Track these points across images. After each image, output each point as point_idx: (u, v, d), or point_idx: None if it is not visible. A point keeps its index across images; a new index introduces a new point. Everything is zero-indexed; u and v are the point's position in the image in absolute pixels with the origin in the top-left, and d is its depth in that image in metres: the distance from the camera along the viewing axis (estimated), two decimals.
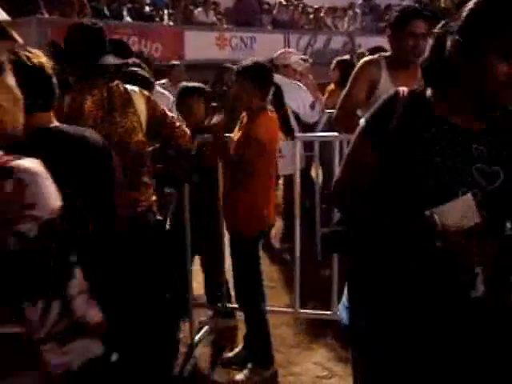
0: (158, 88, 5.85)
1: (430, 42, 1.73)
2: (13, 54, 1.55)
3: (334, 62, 6.20)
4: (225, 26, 13.53)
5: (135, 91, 2.96)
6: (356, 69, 3.61)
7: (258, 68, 3.38)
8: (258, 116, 3.32)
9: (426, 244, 1.59)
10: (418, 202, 1.60)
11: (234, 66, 3.81)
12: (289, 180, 5.10)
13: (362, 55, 6.57)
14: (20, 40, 2.86)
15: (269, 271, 4.70)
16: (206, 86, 4.31)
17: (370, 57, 3.68)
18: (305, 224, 4.30)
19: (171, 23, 12.74)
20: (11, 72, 1.37)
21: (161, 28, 12.17)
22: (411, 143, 1.64)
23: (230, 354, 3.75)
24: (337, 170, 3.87)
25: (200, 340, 3.98)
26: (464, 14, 1.55)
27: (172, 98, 5.58)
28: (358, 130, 1.79)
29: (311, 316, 4.09)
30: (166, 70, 7.44)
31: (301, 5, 15.64)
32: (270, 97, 3.44)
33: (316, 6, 15.77)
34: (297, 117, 5.53)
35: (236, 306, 3.96)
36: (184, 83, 4.29)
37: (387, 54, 3.59)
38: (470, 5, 1.54)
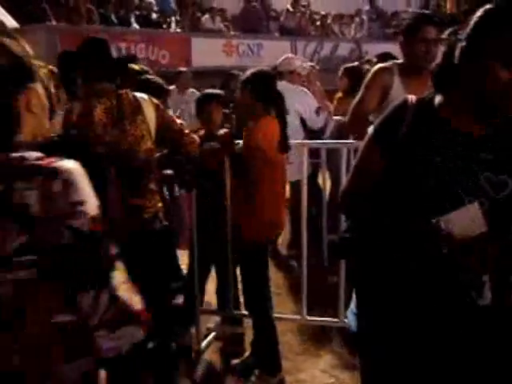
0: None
1: (442, 48, 1.74)
2: None
3: (342, 69, 6.18)
4: (232, 32, 13.57)
5: (144, 99, 2.97)
6: (369, 75, 3.62)
7: (260, 77, 3.41)
8: (256, 123, 3.34)
9: (432, 251, 1.60)
10: (419, 202, 1.61)
11: (241, 73, 3.83)
12: (295, 187, 5.09)
13: (370, 62, 6.58)
14: (30, 50, 2.89)
15: (275, 278, 4.69)
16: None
17: (383, 64, 3.69)
18: (311, 231, 4.30)
19: (178, 30, 12.78)
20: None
21: (168, 35, 12.22)
22: (413, 145, 1.65)
23: (237, 361, 3.75)
24: (344, 178, 3.90)
25: (207, 346, 3.98)
26: (472, 21, 1.57)
27: None
28: (366, 137, 1.80)
29: (318, 323, 4.08)
30: (173, 76, 7.47)
31: (308, 12, 15.67)
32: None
33: (323, 13, 15.82)
34: (303, 122, 5.54)
35: (244, 312, 3.97)
36: (206, 90, 4.32)
37: (400, 60, 3.61)
38: (479, 13, 1.56)
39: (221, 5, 14.29)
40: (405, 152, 1.66)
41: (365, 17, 16.46)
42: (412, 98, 1.75)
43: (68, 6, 10.52)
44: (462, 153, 1.62)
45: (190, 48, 11.89)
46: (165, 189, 3.79)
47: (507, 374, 1.69)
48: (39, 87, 1.45)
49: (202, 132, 3.84)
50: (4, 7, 8.98)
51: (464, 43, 1.58)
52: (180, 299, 4.06)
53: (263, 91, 3.36)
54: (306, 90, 5.72)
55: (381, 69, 3.58)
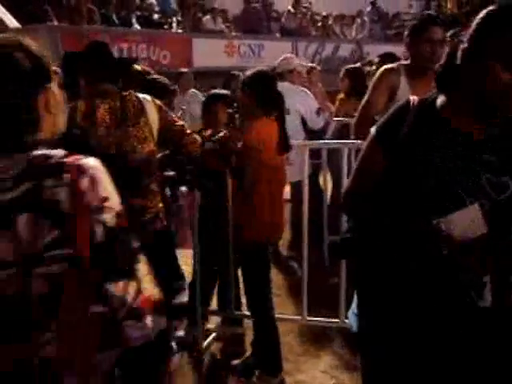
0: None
1: (447, 49, 1.75)
2: None
3: (343, 70, 6.19)
4: (233, 33, 13.57)
5: (148, 100, 2.98)
6: (376, 77, 3.63)
7: (259, 77, 3.41)
8: (252, 124, 3.34)
9: (433, 251, 1.60)
10: (420, 202, 1.61)
11: (241, 74, 3.84)
12: (296, 187, 5.09)
13: (372, 63, 6.59)
14: None
15: (276, 279, 4.69)
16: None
17: (390, 65, 3.70)
18: (312, 231, 4.30)
19: (180, 31, 12.79)
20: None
21: (169, 35, 12.23)
22: (414, 145, 1.65)
23: (238, 362, 3.74)
24: (345, 178, 3.90)
25: (207, 347, 3.98)
26: (474, 22, 1.58)
27: None
28: (368, 138, 1.80)
29: (319, 324, 4.07)
30: (174, 77, 7.48)
31: (309, 13, 15.69)
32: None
33: (324, 14, 15.83)
34: (304, 123, 5.55)
35: (244, 313, 3.97)
36: (213, 90, 4.34)
37: (406, 61, 3.61)
38: (481, 14, 1.56)
39: (222, 5, 14.30)
40: (405, 152, 1.66)
41: (366, 18, 16.46)
42: (415, 98, 1.76)
43: (69, 6, 10.53)
44: (461, 153, 1.62)
45: (192, 48, 11.90)
46: (167, 189, 3.79)
47: (507, 375, 1.69)
48: (55, 87, 1.50)
49: (208, 132, 3.85)
50: (5, 7, 8.99)
51: (466, 44, 1.59)
52: (184, 298, 4.07)
53: (262, 92, 3.36)
54: (306, 90, 5.73)
55: (387, 70, 3.59)
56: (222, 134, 3.74)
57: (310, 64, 7.49)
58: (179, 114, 5.42)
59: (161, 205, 3.09)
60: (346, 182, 3.90)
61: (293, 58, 6.15)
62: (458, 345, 1.67)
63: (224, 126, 3.93)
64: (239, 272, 3.81)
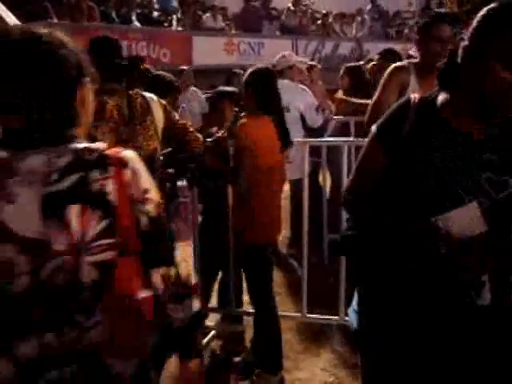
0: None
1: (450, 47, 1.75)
2: None
3: (343, 68, 6.18)
4: (233, 31, 13.56)
5: (153, 99, 3.04)
6: (385, 75, 3.62)
7: (259, 75, 3.41)
8: (243, 123, 3.33)
9: (431, 250, 1.60)
10: (420, 202, 1.61)
11: (242, 72, 3.84)
12: (296, 185, 5.09)
13: (372, 61, 6.58)
14: None
15: (276, 277, 4.67)
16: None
17: (400, 63, 3.71)
18: (312, 229, 4.30)
19: (180, 28, 12.78)
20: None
21: (169, 33, 12.21)
22: (414, 144, 1.65)
23: (238, 359, 3.75)
24: (345, 176, 3.91)
25: (207, 345, 3.98)
26: (475, 21, 1.58)
27: None
28: (369, 136, 1.81)
29: (318, 321, 4.08)
30: (174, 75, 7.46)
31: (309, 11, 15.66)
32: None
33: (324, 12, 15.80)
34: (303, 120, 5.55)
35: (245, 310, 3.98)
36: (220, 88, 4.34)
37: (416, 59, 3.61)
38: (482, 12, 1.56)
39: (222, 3, 14.28)
40: (406, 151, 1.66)
41: (366, 16, 16.44)
42: (415, 96, 1.76)
43: (69, 3, 10.51)
44: (461, 153, 1.62)
45: (192, 46, 11.88)
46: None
47: (506, 374, 1.69)
48: (89, 83, 1.56)
49: (213, 129, 3.85)
50: (5, 5, 8.96)
51: (467, 42, 1.59)
52: None
53: (261, 90, 3.36)
54: (305, 87, 5.73)
55: (397, 68, 3.59)
56: (221, 133, 3.75)
57: (310, 62, 7.48)
58: (179, 112, 5.42)
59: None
60: (345, 179, 3.91)
61: (291, 54, 6.15)
62: (457, 343, 1.68)
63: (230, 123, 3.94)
64: (241, 270, 3.82)
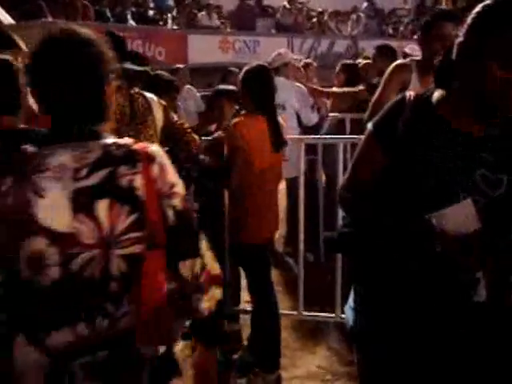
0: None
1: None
2: None
3: (339, 65, 6.19)
4: (228, 29, 13.55)
5: (154, 100, 3.09)
6: (387, 73, 3.61)
7: (254, 72, 3.39)
8: (237, 122, 3.30)
9: (426, 247, 1.60)
10: (420, 202, 1.61)
11: (237, 70, 3.84)
12: (292, 183, 5.09)
13: (367, 58, 6.59)
14: (24, 47, 2.90)
15: (272, 275, 4.69)
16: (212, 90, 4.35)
17: (402, 60, 3.70)
18: (308, 227, 4.31)
19: (175, 27, 12.75)
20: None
21: (164, 32, 12.19)
22: (413, 144, 1.65)
23: (235, 358, 3.75)
24: (340, 173, 3.91)
25: None
26: (470, 17, 1.58)
27: None
28: (365, 134, 1.80)
29: (315, 319, 4.09)
30: (170, 73, 7.45)
31: (304, 9, 15.66)
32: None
33: (319, 10, 15.80)
34: (298, 118, 5.55)
35: (241, 308, 3.97)
36: (220, 86, 4.33)
37: (416, 57, 3.60)
38: (477, 8, 1.56)
39: (217, 1, 14.26)
40: (405, 151, 1.66)
41: (361, 14, 16.43)
42: (411, 94, 1.75)
43: (64, 2, 10.48)
44: (461, 153, 1.62)
45: (187, 45, 11.87)
46: None
47: (505, 372, 1.69)
48: (114, 80, 1.60)
49: (213, 127, 3.85)
50: (0, 3, 8.93)
51: (461, 39, 1.59)
52: None
53: (256, 88, 3.35)
54: (301, 85, 5.73)
55: (399, 65, 3.57)
56: (220, 132, 3.75)
57: (306, 60, 7.48)
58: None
59: None
60: (341, 177, 3.91)
61: (287, 52, 6.16)
62: (456, 341, 1.68)
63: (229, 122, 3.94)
64: (238, 269, 3.82)
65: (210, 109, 4.04)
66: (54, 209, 1.44)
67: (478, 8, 1.57)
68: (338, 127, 5.42)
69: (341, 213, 3.64)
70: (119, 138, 1.71)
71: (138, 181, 1.47)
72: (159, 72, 4.21)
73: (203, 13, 13.12)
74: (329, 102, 6.12)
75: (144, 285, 1.50)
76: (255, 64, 3.48)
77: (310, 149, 5.26)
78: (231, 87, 4.23)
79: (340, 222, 3.70)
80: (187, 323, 1.72)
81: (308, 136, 4.85)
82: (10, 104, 2.09)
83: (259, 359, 3.53)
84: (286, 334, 4.04)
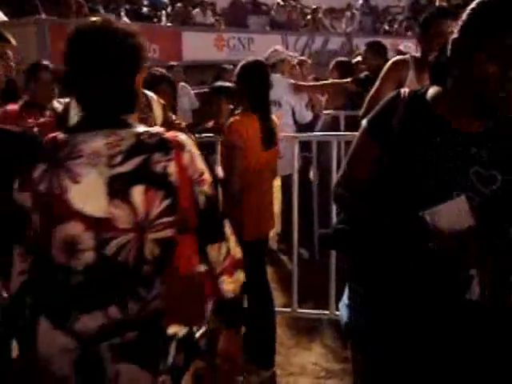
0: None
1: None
2: None
3: (333, 62, 6.20)
4: (222, 27, 13.52)
5: (154, 98, 3.12)
6: (384, 69, 3.60)
7: (250, 68, 3.37)
8: (232, 121, 3.27)
9: (420, 244, 1.60)
10: (419, 202, 1.60)
11: (231, 67, 3.83)
12: (286, 181, 5.09)
13: (361, 55, 6.59)
14: (13, 41, 2.89)
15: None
16: (206, 87, 4.36)
17: (399, 57, 3.69)
18: (302, 224, 4.31)
19: (169, 24, 12.72)
20: None
21: (159, 29, 12.15)
22: (412, 143, 1.65)
23: None
24: (334, 170, 3.91)
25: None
26: (464, 14, 1.58)
27: None
28: (360, 130, 1.80)
29: (309, 316, 4.09)
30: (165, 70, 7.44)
31: (298, 6, 15.65)
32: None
33: (314, 7, 15.78)
34: (293, 116, 5.56)
35: None
36: (218, 83, 4.32)
37: (417, 54, 3.59)
38: (472, 5, 1.56)
39: None
40: (403, 150, 1.65)
41: (355, 11, 16.44)
42: (405, 91, 1.75)
43: None
44: (461, 153, 1.62)
45: (181, 42, 11.83)
46: None
47: (502, 370, 1.69)
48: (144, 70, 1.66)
49: (209, 124, 3.83)
50: None
51: (456, 36, 1.59)
52: None
53: (252, 84, 3.32)
54: (296, 82, 5.74)
55: (396, 62, 3.56)
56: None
57: (300, 57, 7.48)
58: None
59: None
60: (334, 174, 3.91)
61: (282, 48, 6.17)
62: (449, 339, 1.67)
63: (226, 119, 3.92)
64: None
65: (208, 105, 4.04)
66: (89, 194, 1.49)
67: (472, 5, 1.57)
68: (332, 124, 5.42)
69: (335, 210, 3.65)
70: None
71: (172, 167, 1.53)
72: (155, 69, 4.20)
73: (197, 10, 13.09)
74: (323, 99, 6.12)
75: (177, 267, 1.58)
76: (252, 59, 3.45)
77: (305, 146, 5.27)
78: (229, 84, 4.22)
79: (334, 219, 3.70)
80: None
81: (302, 134, 4.85)
82: None
83: (254, 356, 3.52)
84: (281, 331, 4.04)
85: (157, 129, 1.60)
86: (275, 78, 4.79)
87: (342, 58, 6.60)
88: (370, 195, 1.75)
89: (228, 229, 1.71)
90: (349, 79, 5.45)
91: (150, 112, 3.01)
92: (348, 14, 16.28)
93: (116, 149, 1.51)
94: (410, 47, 6.66)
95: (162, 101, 3.15)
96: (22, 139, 2.19)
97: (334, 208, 3.78)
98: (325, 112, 5.73)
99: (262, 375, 3.46)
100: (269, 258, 5.39)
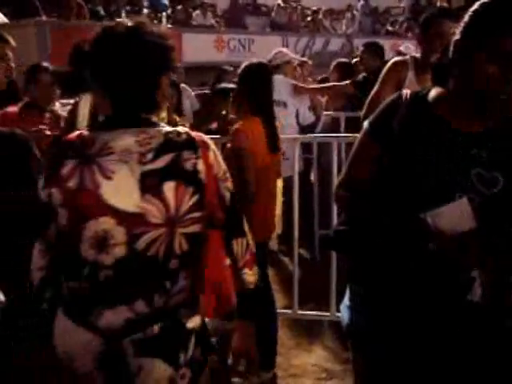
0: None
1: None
2: None
3: (334, 63, 6.20)
4: (223, 28, 13.53)
5: None
6: (384, 70, 3.58)
7: (253, 70, 3.35)
8: (240, 125, 3.25)
9: (421, 246, 1.60)
10: (419, 202, 1.60)
11: (231, 68, 3.83)
12: (288, 182, 5.10)
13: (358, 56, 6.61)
14: (12, 42, 2.89)
15: None
16: (206, 88, 4.38)
17: (399, 57, 3.68)
18: (303, 226, 4.30)
19: (169, 25, 12.73)
20: None
21: None
22: (412, 143, 1.65)
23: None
24: (335, 171, 3.91)
25: None
26: (467, 15, 1.59)
27: None
28: (362, 132, 1.80)
29: (310, 317, 4.08)
30: None
31: (299, 7, 15.66)
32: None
33: (314, 8, 15.80)
34: (297, 116, 5.56)
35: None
36: (222, 84, 4.32)
37: (417, 55, 3.58)
38: (474, 6, 1.56)
39: (212, 0, 14.25)
40: (403, 150, 1.65)
41: (356, 12, 16.45)
42: (407, 92, 1.75)
43: (58, 1, 10.45)
44: (462, 153, 1.62)
45: (181, 43, 11.84)
46: None
47: (502, 371, 1.69)
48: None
49: (214, 125, 3.83)
50: None
51: (458, 37, 1.59)
52: None
53: (255, 85, 3.32)
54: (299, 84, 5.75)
55: (396, 62, 3.55)
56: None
57: (301, 58, 7.50)
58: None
59: None
60: (335, 175, 3.91)
61: (287, 50, 6.19)
62: (450, 340, 1.67)
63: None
64: None
65: (211, 107, 4.03)
66: (121, 190, 1.53)
67: (475, 6, 1.57)
68: (332, 125, 5.42)
69: (335, 211, 3.64)
70: None
71: (200, 165, 1.58)
72: None
73: (198, 11, 13.10)
74: (323, 100, 6.13)
75: (207, 261, 1.67)
76: (255, 61, 3.42)
77: (306, 148, 5.27)
78: (232, 86, 4.21)
79: (335, 220, 3.70)
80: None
81: (303, 135, 4.85)
82: None
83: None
84: (281, 332, 4.03)
85: (183, 128, 1.65)
86: (280, 79, 4.80)
87: (343, 59, 6.61)
88: (370, 195, 1.75)
89: (245, 224, 1.77)
90: (347, 81, 5.44)
91: None
92: (348, 15, 16.30)
93: (147, 146, 1.56)
94: (410, 48, 6.68)
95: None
96: (11, 140, 2.19)
97: (334, 209, 3.78)
98: (325, 113, 5.74)
99: (262, 376, 3.45)
100: (269, 259, 5.41)
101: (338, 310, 2.03)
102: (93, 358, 1.58)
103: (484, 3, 1.56)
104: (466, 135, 1.63)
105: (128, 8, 12.07)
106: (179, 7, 13.12)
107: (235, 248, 1.72)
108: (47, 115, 3.89)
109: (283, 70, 5.53)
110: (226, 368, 3.66)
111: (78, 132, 1.63)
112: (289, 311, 4.09)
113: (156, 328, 1.59)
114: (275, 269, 5.23)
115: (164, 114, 3.03)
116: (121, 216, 1.53)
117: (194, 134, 1.64)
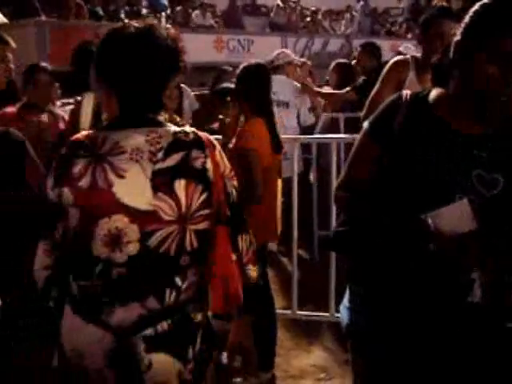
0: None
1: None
2: None
3: (333, 64, 6.20)
4: (222, 28, 13.53)
5: None
6: (385, 70, 3.57)
7: (251, 70, 3.36)
8: (245, 126, 3.26)
9: (421, 246, 1.59)
10: (419, 202, 1.60)
11: (230, 69, 3.82)
12: (287, 183, 5.10)
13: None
14: (12, 43, 2.89)
15: None
16: (206, 89, 4.38)
17: (400, 57, 3.67)
18: (302, 226, 4.30)
19: (169, 26, 12.71)
20: None
21: None
22: (412, 144, 1.65)
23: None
24: (334, 172, 3.91)
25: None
26: (467, 16, 1.59)
27: None
28: (361, 132, 1.80)
29: (309, 318, 4.08)
30: None
31: (298, 7, 15.65)
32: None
33: (313, 9, 15.80)
34: (298, 117, 5.57)
35: None
36: (223, 84, 4.32)
37: (418, 54, 3.58)
38: (475, 7, 1.56)
39: (211, 0, 14.25)
40: (403, 151, 1.65)
41: (355, 13, 16.45)
42: (407, 93, 1.75)
43: (57, 1, 10.45)
44: (462, 154, 1.62)
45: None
46: None
47: (502, 372, 1.69)
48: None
49: (216, 125, 3.83)
50: None
51: (458, 38, 1.60)
52: None
53: (254, 86, 3.32)
54: (299, 85, 5.75)
55: (397, 62, 3.54)
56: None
57: (300, 59, 7.50)
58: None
59: None
60: (334, 176, 3.91)
61: (289, 51, 6.20)
62: (451, 341, 1.67)
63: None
64: None
65: (212, 107, 4.03)
66: (134, 188, 1.57)
67: (475, 7, 1.57)
68: (331, 126, 5.42)
69: (335, 211, 3.64)
70: None
71: (209, 164, 1.62)
72: None
73: (197, 12, 13.10)
74: (323, 101, 6.13)
75: (215, 257, 1.70)
76: (254, 62, 3.43)
77: (305, 148, 5.27)
78: (233, 86, 4.22)
79: (334, 220, 3.70)
80: None
81: (302, 136, 4.85)
82: None
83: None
84: (280, 333, 4.03)
85: (189, 128, 1.69)
86: (282, 79, 4.80)
87: (342, 60, 6.61)
88: (370, 196, 1.75)
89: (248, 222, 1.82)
90: (348, 88, 5.41)
91: None
92: (347, 15, 16.29)
93: (157, 146, 1.59)
94: (410, 48, 6.67)
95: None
96: (6, 139, 2.20)
97: (333, 210, 3.78)
98: (324, 114, 5.74)
99: (261, 377, 3.45)
100: (268, 259, 5.41)
101: (338, 311, 2.03)
102: (104, 356, 1.59)
103: (484, 4, 1.56)
104: (466, 136, 1.63)
105: (127, 8, 12.07)
106: (178, 8, 13.12)
107: (240, 244, 1.75)
108: (45, 115, 3.89)
109: (285, 71, 5.53)
110: (224, 367, 3.68)
111: (85, 132, 1.66)
112: (288, 312, 4.09)
113: (167, 323, 1.61)
114: (274, 269, 5.23)
115: (166, 115, 3.02)
116: (134, 214, 1.56)
117: (200, 133, 1.67)
